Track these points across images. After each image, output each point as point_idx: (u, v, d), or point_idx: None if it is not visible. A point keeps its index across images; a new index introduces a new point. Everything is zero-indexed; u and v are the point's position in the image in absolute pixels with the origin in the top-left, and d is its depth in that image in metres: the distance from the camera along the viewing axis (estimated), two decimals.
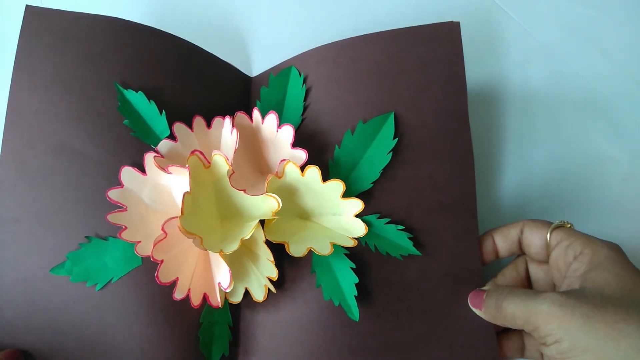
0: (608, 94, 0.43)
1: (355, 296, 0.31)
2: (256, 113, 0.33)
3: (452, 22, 0.34)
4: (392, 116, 0.33)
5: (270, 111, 0.33)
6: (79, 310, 0.31)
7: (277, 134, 0.33)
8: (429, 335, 0.32)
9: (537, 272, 0.33)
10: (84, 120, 0.32)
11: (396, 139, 0.33)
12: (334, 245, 0.31)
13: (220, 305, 0.31)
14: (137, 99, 0.33)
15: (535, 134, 0.42)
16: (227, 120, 0.33)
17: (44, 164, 0.32)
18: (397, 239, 0.32)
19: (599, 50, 0.44)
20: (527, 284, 0.34)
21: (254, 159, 0.34)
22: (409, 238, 0.32)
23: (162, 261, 0.30)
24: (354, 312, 0.31)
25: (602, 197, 0.40)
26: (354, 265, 0.32)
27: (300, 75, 0.35)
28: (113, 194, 0.32)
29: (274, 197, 0.30)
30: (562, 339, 0.26)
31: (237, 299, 0.32)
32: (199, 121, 0.34)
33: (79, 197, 0.32)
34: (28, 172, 0.32)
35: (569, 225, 0.31)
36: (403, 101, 0.33)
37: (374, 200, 0.33)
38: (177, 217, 0.28)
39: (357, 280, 0.31)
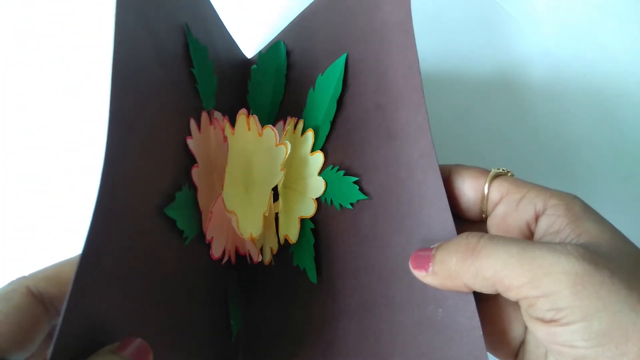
0: (608, 94, 0.42)
1: (314, 258, 0.30)
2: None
3: None
4: (343, 57, 0.30)
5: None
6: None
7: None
8: (389, 297, 0.26)
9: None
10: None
11: (340, 82, 0.30)
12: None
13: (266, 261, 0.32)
14: (202, 52, 0.30)
15: (535, 133, 0.41)
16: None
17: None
18: (344, 186, 0.29)
19: (599, 49, 0.43)
20: None
21: None
22: (354, 182, 0.28)
23: (212, 238, 0.29)
24: (311, 274, 0.30)
25: (601, 196, 0.39)
26: (312, 226, 0.31)
27: (285, 48, 0.36)
28: (191, 143, 0.28)
29: (284, 143, 0.30)
30: (592, 317, 0.17)
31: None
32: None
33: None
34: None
35: (510, 174, 0.25)
36: (353, 40, 0.30)
37: (329, 153, 0.31)
38: (220, 195, 0.28)
39: (313, 240, 0.30)
